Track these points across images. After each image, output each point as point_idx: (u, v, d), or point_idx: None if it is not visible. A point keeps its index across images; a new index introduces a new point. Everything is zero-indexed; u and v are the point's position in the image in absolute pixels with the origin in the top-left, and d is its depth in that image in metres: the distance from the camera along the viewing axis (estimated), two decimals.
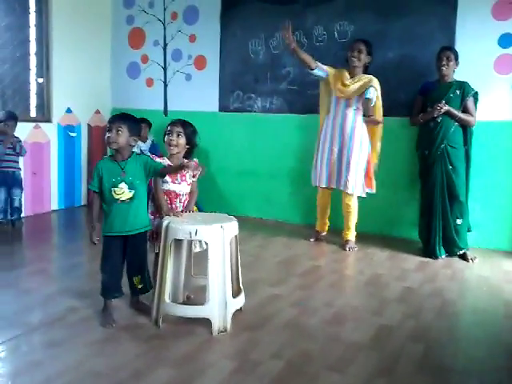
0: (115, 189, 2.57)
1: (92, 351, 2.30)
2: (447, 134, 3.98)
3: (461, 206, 4.02)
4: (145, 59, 5.82)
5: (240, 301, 2.72)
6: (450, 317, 2.87)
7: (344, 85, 4.12)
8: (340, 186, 4.20)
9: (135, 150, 5.74)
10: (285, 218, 5.13)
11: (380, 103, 4.14)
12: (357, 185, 4.16)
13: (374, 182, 4.28)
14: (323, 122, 4.32)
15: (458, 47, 4.20)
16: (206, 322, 2.52)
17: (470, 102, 4.02)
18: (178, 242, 2.65)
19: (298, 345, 2.44)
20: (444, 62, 3.99)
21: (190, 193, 2.97)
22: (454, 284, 3.43)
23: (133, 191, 2.59)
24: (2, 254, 3.79)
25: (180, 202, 2.91)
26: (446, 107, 3.93)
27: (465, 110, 4.01)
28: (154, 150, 5.59)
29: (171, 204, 2.87)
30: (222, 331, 2.51)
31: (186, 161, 2.66)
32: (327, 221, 4.48)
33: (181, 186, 2.91)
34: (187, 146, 2.92)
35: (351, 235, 4.27)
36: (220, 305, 2.53)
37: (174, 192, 2.89)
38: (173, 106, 5.73)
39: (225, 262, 2.55)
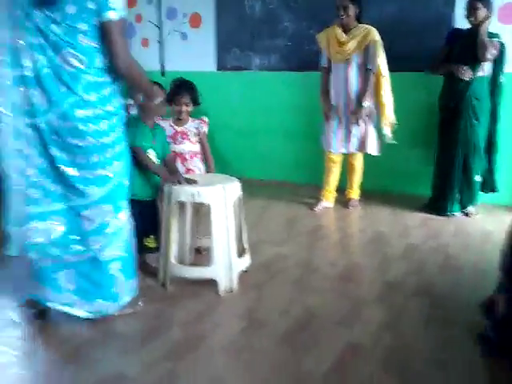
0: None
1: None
2: (473, 86, 3.78)
3: (481, 161, 3.91)
4: (139, 18, 5.66)
5: (245, 261, 2.74)
6: (453, 271, 2.90)
7: (340, 44, 3.88)
8: (353, 148, 4.03)
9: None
10: (285, 177, 5.11)
11: (383, 55, 3.93)
12: (369, 143, 4.00)
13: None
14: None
15: None
16: (213, 283, 2.55)
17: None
18: (182, 203, 2.65)
19: (303, 302, 2.48)
20: (471, 13, 3.71)
21: (205, 154, 3.01)
22: (456, 239, 3.45)
23: (159, 161, 2.66)
24: None
25: (184, 162, 2.90)
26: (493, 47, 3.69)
27: None
28: None
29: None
30: (228, 291, 2.54)
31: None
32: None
33: (183, 146, 2.92)
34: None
35: (355, 194, 4.27)
36: (225, 265, 2.55)
37: (174, 152, 2.88)
38: (170, 66, 5.62)
39: (228, 223, 2.56)
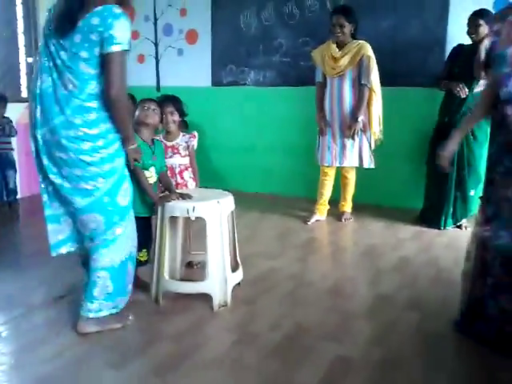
0: (145, 172, 2.57)
1: None
2: (468, 101, 3.79)
3: (477, 177, 3.89)
4: (135, 35, 5.73)
5: (238, 275, 2.75)
6: (445, 285, 2.91)
7: (334, 59, 3.95)
8: (347, 162, 4.07)
9: None
10: (280, 191, 5.15)
11: (376, 70, 3.96)
12: (363, 156, 4.07)
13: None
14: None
15: (451, 13, 4.15)
16: (205, 298, 2.56)
17: None
18: (174, 219, 2.67)
19: (295, 316, 2.49)
20: (472, 30, 3.76)
21: (191, 165, 3.04)
22: (449, 252, 3.47)
23: (157, 176, 2.67)
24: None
25: (173, 176, 2.95)
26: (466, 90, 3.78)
27: None
28: None
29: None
30: (222, 305, 2.55)
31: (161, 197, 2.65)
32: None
33: (173, 160, 2.97)
34: (180, 119, 3.04)
35: (347, 207, 4.30)
36: (220, 280, 2.56)
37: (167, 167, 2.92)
38: (165, 81, 5.68)
39: (223, 237, 2.58)
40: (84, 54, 2.12)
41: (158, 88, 5.71)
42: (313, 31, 4.80)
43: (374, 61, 3.94)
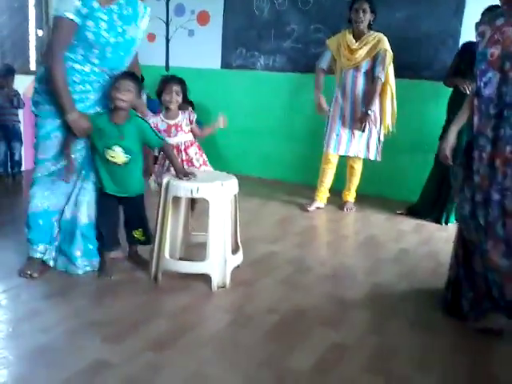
0: (108, 150, 2.49)
1: (91, 302, 2.37)
2: None
3: None
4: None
5: (238, 258, 2.77)
6: (443, 278, 2.90)
7: (351, 50, 3.90)
8: (354, 152, 4.08)
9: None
10: (284, 177, 5.14)
11: (391, 64, 3.94)
12: (371, 149, 4.07)
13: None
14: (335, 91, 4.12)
15: (468, 7, 4.10)
16: (204, 278, 2.57)
17: None
18: (176, 199, 2.67)
19: (292, 300, 2.50)
20: None
21: (194, 132, 3.08)
22: (449, 246, 3.43)
23: (129, 156, 2.52)
24: (2, 207, 3.82)
25: (178, 154, 2.97)
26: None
27: None
28: (151, 105, 5.54)
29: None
30: (221, 287, 2.57)
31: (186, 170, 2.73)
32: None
33: (178, 138, 2.99)
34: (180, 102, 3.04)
35: (351, 197, 4.29)
36: (220, 261, 2.57)
37: (172, 146, 2.93)
38: (175, 62, 5.65)
39: (225, 219, 2.58)
40: None
41: (167, 68, 5.68)
42: (326, 18, 4.76)
43: (391, 54, 3.89)
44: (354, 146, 4.05)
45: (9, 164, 4.56)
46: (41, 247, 2.61)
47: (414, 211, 4.15)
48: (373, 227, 3.84)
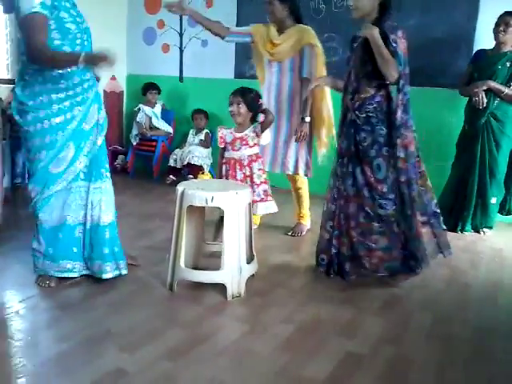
0: None
1: (107, 312, 2.39)
2: (490, 108, 3.76)
3: (499, 184, 3.87)
4: (161, 25, 5.77)
5: (253, 267, 2.77)
6: (459, 287, 2.89)
7: (273, 44, 3.45)
8: (278, 168, 3.59)
9: (139, 115, 5.75)
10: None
11: (321, 58, 3.47)
12: (299, 163, 3.55)
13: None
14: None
15: (481, 13, 4.09)
16: (219, 288, 2.58)
17: None
18: (190, 208, 2.68)
19: (307, 310, 2.50)
20: (501, 28, 3.69)
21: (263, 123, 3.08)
22: (465, 255, 3.44)
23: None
24: (20, 218, 3.87)
25: (242, 169, 3.05)
26: (485, 86, 3.72)
27: None
28: (167, 116, 5.62)
29: (230, 171, 3.05)
30: (236, 296, 2.57)
31: None
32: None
33: (241, 152, 3.05)
34: (250, 113, 3.06)
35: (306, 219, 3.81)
36: (235, 270, 2.58)
37: (234, 159, 3.05)
38: (188, 72, 5.70)
39: (240, 228, 2.60)
40: None
41: (181, 78, 5.74)
42: (338, 27, 4.77)
43: (320, 50, 3.45)
44: (288, 162, 3.54)
45: (26, 175, 4.62)
46: (65, 265, 2.61)
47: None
48: None
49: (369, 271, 2.82)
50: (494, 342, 2.29)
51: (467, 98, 3.96)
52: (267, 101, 3.50)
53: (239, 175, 3.06)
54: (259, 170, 3.08)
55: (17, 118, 2.49)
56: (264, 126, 3.08)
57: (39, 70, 2.43)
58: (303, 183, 3.68)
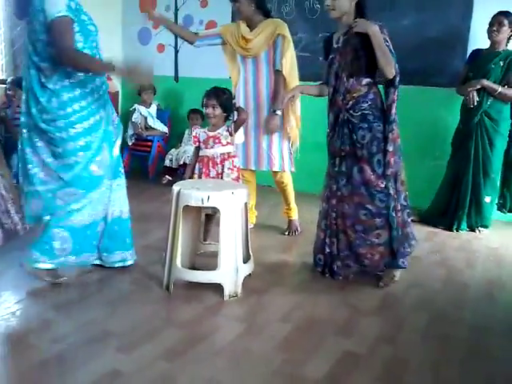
0: None
1: (103, 312, 2.38)
2: (484, 106, 3.78)
3: (493, 183, 3.88)
4: (156, 25, 5.75)
5: (250, 266, 2.77)
6: (455, 286, 2.90)
7: (246, 40, 3.44)
8: (264, 165, 3.56)
9: (135, 115, 5.72)
10: (297, 186, 5.12)
11: (291, 50, 3.47)
12: (284, 159, 3.55)
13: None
14: (235, 93, 3.56)
15: (475, 13, 4.10)
16: (215, 287, 2.58)
17: None
18: (186, 208, 2.68)
19: (304, 309, 2.50)
20: (495, 28, 3.71)
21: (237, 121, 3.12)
22: (461, 254, 3.45)
23: None
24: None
25: (214, 166, 3.05)
26: (479, 85, 3.74)
27: (508, 84, 3.74)
28: (162, 116, 5.61)
29: (204, 168, 3.05)
30: (233, 296, 2.57)
31: None
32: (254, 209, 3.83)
33: (214, 150, 3.07)
34: (224, 114, 3.08)
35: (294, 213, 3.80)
36: (231, 270, 2.58)
37: (207, 157, 3.06)
38: (183, 72, 5.70)
39: (236, 228, 2.59)
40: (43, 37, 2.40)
41: (176, 78, 5.73)
42: (333, 27, 4.74)
43: (291, 42, 3.46)
44: (264, 158, 3.54)
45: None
46: (87, 257, 2.72)
47: (425, 218, 4.13)
48: None
49: (370, 268, 2.83)
50: (490, 340, 2.30)
51: (462, 97, 3.98)
52: (244, 99, 3.53)
53: (212, 173, 3.06)
54: (229, 168, 3.08)
55: (43, 126, 2.46)
56: (237, 125, 3.11)
57: (65, 76, 2.44)
58: (289, 178, 3.68)
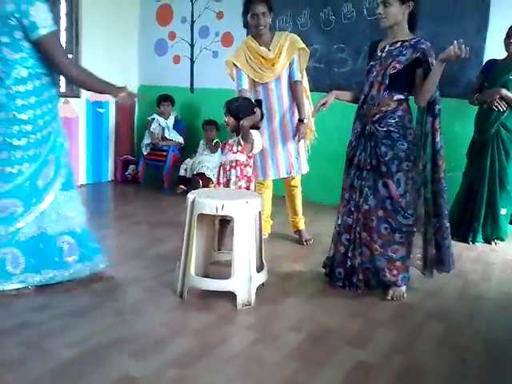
0: None
1: (117, 319, 2.39)
2: (500, 117, 3.77)
3: (508, 195, 3.85)
4: (172, 36, 5.84)
5: (263, 275, 2.77)
6: (471, 298, 2.87)
7: (268, 61, 3.41)
8: (283, 173, 3.59)
9: (153, 125, 5.79)
10: (308, 196, 5.13)
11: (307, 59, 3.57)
12: (301, 161, 3.64)
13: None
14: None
15: (491, 24, 4.09)
16: (229, 296, 2.58)
17: None
18: (201, 216, 2.69)
19: (317, 319, 2.49)
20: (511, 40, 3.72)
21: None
22: (476, 266, 3.41)
23: None
24: None
25: (225, 173, 3.11)
26: (498, 94, 3.72)
27: None
28: (178, 126, 5.66)
29: (217, 174, 3.18)
30: (246, 304, 2.57)
31: None
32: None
33: (226, 157, 3.14)
34: (236, 121, 3.11)
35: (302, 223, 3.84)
36: (245, 279, 2.58)
37: (221, 163, 3.18)
38: (199, 83, 5.75)
39: (250, 237, 2.60)
40: (4, 39, 2.34)
41: (192, 89, 5.79)
42: (348, 38, 4.80)
43: (307, 52, 3.56)
44: (289, 165, 3.57)
45: None
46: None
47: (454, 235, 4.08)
48: None
49: (389, 282, 2.78)
50: (506, 353, 2.27)
51: (477, 108, 3.96)
52: (269, 118, 3.47)
53: (222, 179, 3.14)
54: (236, 176, 3.10)
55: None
56: (244, 132, 3.09)
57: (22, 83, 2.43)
58: (299, 181, 3.74)
